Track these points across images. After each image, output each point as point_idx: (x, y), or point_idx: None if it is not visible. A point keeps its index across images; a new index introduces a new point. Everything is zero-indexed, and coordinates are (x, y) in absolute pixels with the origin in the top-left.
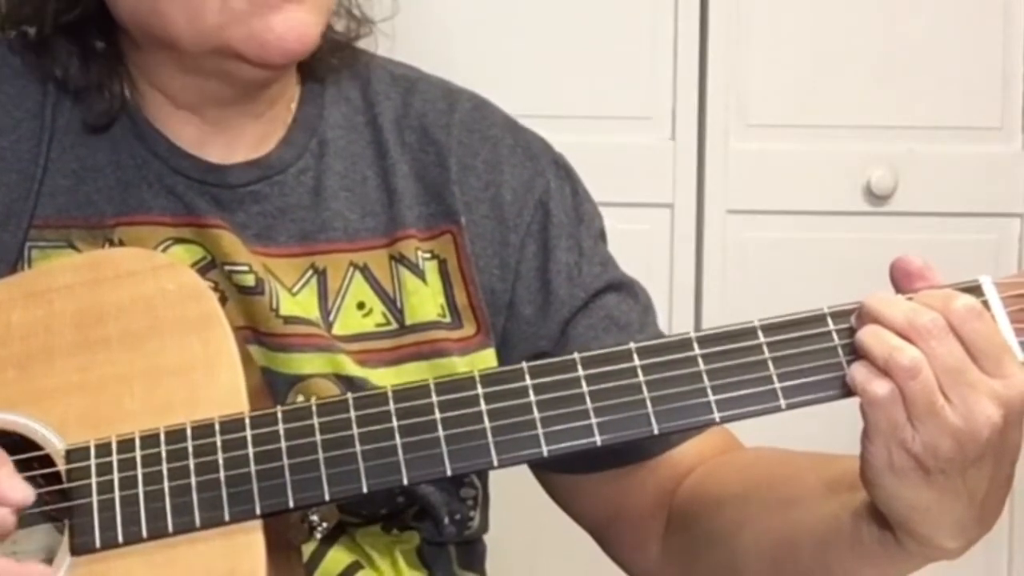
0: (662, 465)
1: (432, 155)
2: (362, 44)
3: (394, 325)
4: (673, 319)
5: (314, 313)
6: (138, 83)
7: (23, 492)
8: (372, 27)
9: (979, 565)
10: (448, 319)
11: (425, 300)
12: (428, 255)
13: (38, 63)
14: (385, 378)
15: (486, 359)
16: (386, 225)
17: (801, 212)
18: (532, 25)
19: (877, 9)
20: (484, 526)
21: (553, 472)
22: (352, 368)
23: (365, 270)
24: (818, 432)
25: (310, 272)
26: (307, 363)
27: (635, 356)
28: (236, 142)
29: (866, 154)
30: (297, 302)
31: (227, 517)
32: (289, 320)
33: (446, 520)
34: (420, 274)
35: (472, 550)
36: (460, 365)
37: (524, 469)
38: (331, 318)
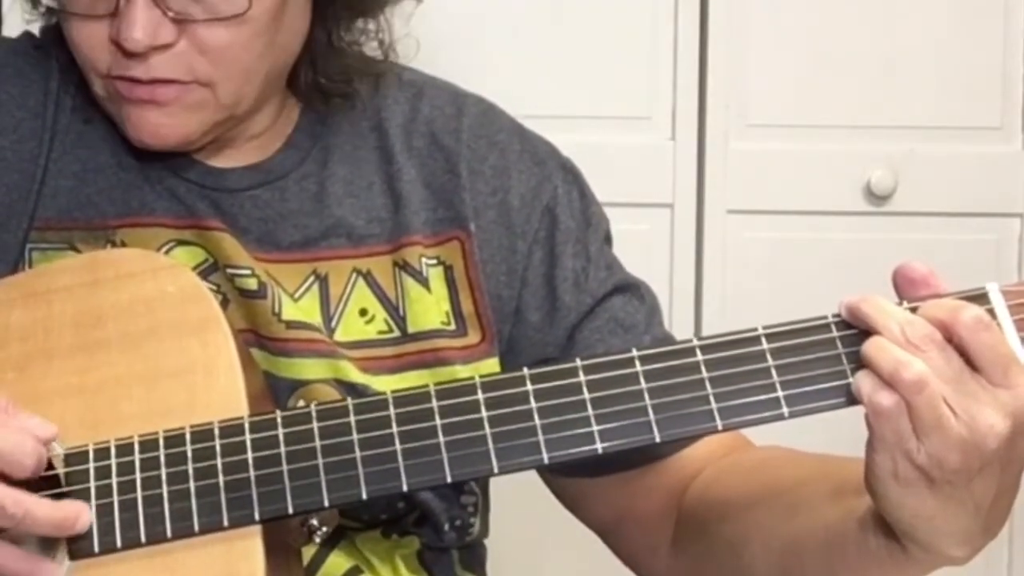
0: (670, 467)
1: (441, 161)
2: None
3: (396, 333)
4: (673, 319)
5: (316, 319)
6: None
7: (47, 430)
8: (396, 55)
9: (979, 566)
10: (452, 326)
11: (428, 308)
12: (433, 261)
13: (40, 62)
14: (387, 386)
15: (489, 368)
16: (391, 231)
17: (801, 212)
18: (532, 25)
19: (877, 9)
20: (484, 531)
21: (560, 476)
22: (354, 375)
23: (368, 276)
24: (820, 436)
25: (312, 278)
26: (309, 368)
27: (637, 363)
28: (233, 151)
29: (866, 154)
30: (299, 307)
31: (226, 522)
32: (291, 325)
33: (446, 527)
34: (423, 281)
35: (473, 553)
36: (462, 374)
37: (526, 472)
38: (333, 324)
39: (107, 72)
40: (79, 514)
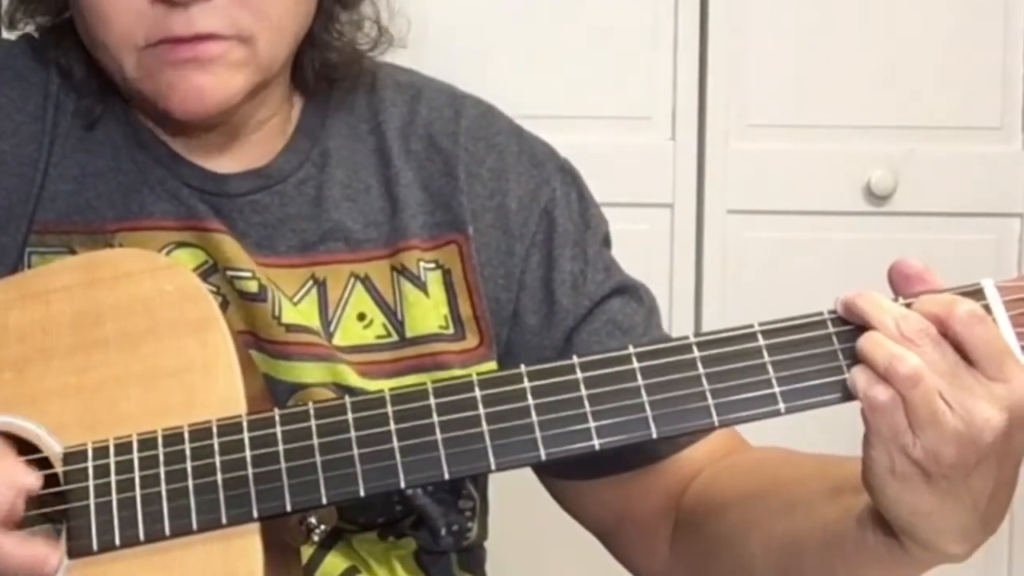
0: (668, 469)
1: (439, 164)
2: None
3: (394, 337)
4: (673, 319)
5: (315, 323)
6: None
7: (30, 478)
8: (391, 41)
9: (979, 565)
10: (451, 330)
11: (426, 312)
12: (431, 265)
13: (40, 65)
14: None
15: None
16: (388, 235)
17: (801, 212)
18: (532, 25)
19: (877, 9)
20: (483, 535)
21: (558, 478)
22: (353, 379)
23: (366, 280)
24: (818, 434)
25: (310, 283)
26: (308, 372)
27: (634, 360)
28: (233, 153)
29: (866, 154)
30: (299, 311)
31: (224, 520)
32: (291, 328)
33: (443, 531)
34: (421, 285)
35: (472, 555)
36: None
37: (524, 473)
38: (331, 328)
39: (144, 42)
40: (48, 556)
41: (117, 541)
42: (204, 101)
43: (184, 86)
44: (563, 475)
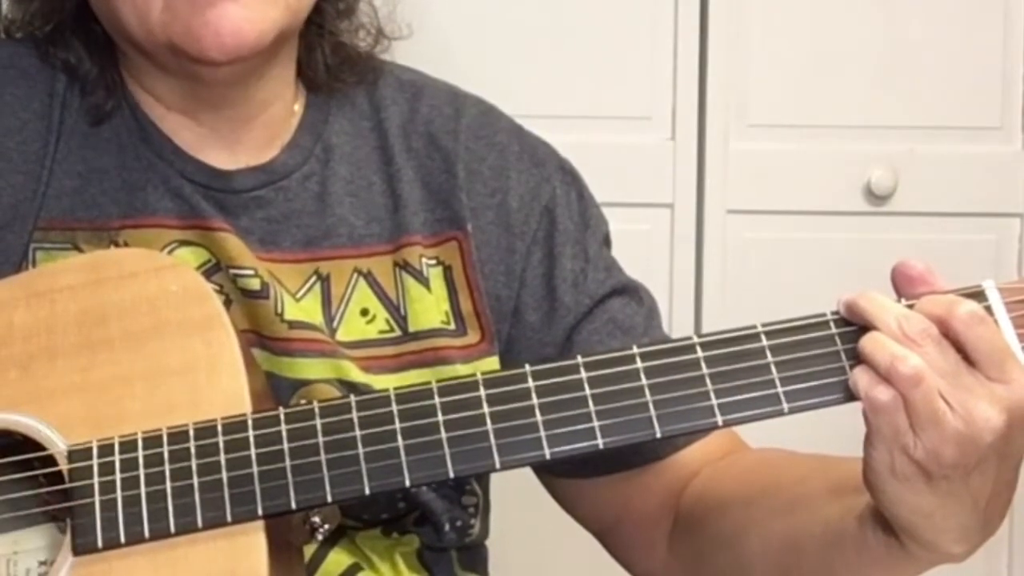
0: (668, 468)
1: (439, 161)
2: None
3: (397, 332)
4: (673, 319)
5: (318, 319)
6: (130, 86)
7: None
8: (389, 43)
9: (979, 566)
10: (452, 326)
11: (429, 308)
12: (433, 262)
13: (45, 63)
14: (388, 385)
15: (489, 367)
16: (391, 231)
17: (801, 212)
18: (532, 25)
19: (877, 9)
20: (484, 532)
21: (558, 476)
22: (356, 374)
23: (369, 276)
24: (820, 434)
25: (314, 278)
26: (311, 368)
27: (638, 359)
28: (237, 147)
29: (866, 154)
30: (301, 307)
31: (229, 518)
32: (294, 325)
33: (447, 527)
34: (424, 281)
35: (474, 554)
36: (463, 373)
37: (526, 473)
38: (335, 324)
39: None
40: None
41: (122, 539)
42: (242, 37)
43: (222, 22)
44: (562, 474)
